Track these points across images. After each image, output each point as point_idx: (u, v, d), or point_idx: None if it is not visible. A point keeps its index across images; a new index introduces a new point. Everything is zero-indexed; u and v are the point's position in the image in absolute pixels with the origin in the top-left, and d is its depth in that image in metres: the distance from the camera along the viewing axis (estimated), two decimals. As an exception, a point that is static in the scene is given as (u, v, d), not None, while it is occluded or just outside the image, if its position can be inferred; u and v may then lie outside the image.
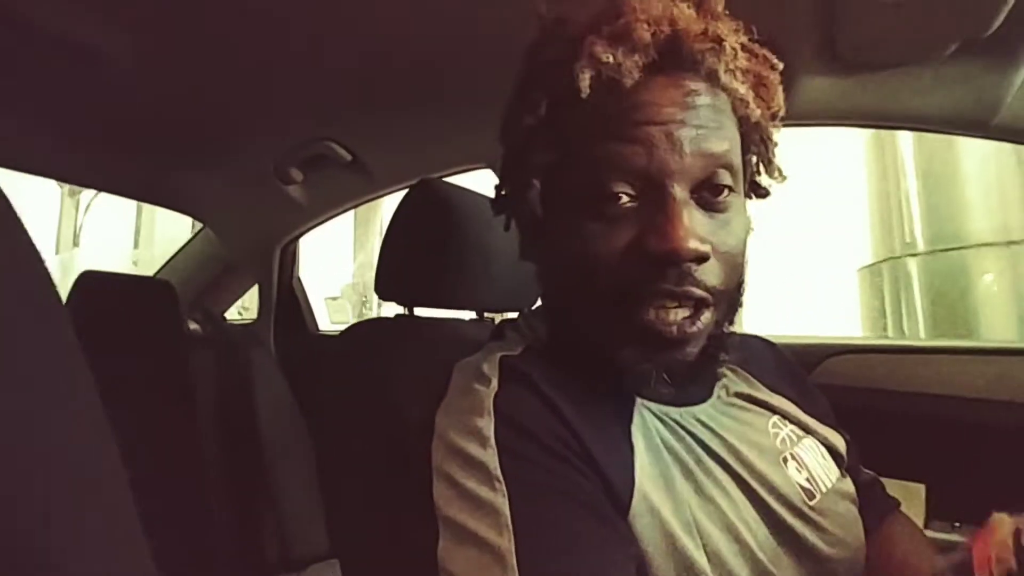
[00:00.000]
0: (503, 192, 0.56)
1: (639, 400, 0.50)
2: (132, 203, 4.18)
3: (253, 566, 1.40)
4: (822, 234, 3.55)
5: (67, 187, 4.23)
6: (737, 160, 0.47)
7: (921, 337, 2.83)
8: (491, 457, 0.43)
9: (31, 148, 1.18)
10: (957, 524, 0.88)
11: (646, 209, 0.44)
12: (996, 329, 2.54)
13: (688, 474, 0.47)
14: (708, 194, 0.46)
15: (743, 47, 0.48)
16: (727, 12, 0.48)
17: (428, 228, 0.77)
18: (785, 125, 0.94)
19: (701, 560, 0.43)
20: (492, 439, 0.44)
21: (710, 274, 0.45)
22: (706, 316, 0.46)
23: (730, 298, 0.48)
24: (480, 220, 0.78)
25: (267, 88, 1.01)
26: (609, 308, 0.46)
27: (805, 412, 0.59)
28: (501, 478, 0.42)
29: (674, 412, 0.51)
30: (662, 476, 0.46)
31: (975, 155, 2.68)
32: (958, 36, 0.72)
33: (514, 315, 0.64)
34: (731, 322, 0.51)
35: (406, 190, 0.80)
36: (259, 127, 1.15)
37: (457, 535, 0.42)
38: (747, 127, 0.49)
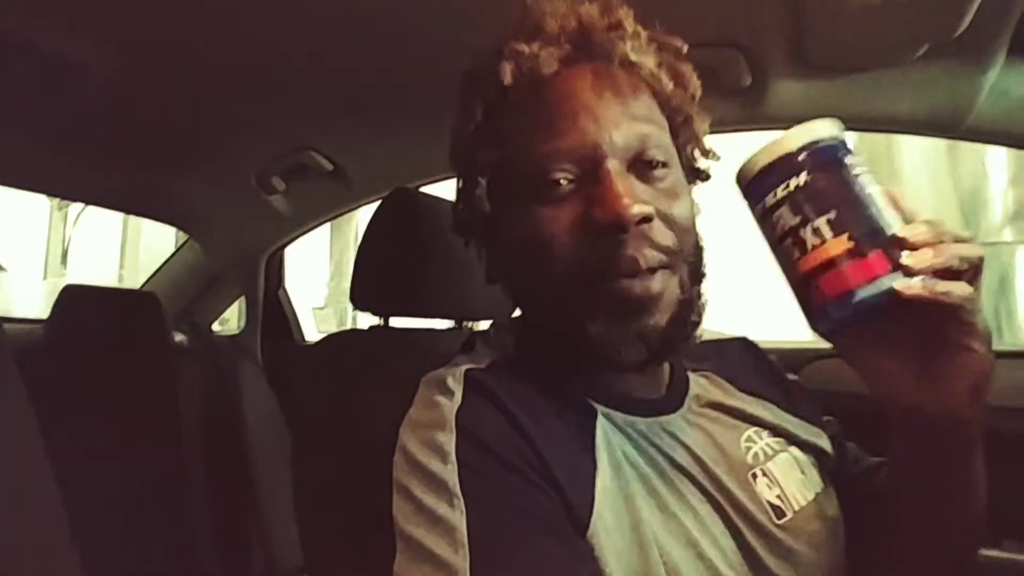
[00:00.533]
0: (459, 204, 0.57)
1: (603, 413, 0.49)
2: (118, 216, 4.17)
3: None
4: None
5: (55, 201, 4.24)
6: (666, 139, 0.50)
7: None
8: (451, 473, 0.42)
9: (14, 162, 1.17)
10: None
11: (586, 188, 0.46)
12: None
13: (651, 490, 0.46)
14: (643, 167, 0.47)
15: (649, 36, 0.52)
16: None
17: (403, 237, 0.77)
18: (759, 129, 0.95)
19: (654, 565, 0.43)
20: (453, 455, 0.43)
21: (660, 236, 0.46)
22: (665, 278, 0.46)
23: (689, 262, 0.49)
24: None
25: (247, 97, 1.01)
26: (570, 288, 0.46)
27: (788, 413, 0.58)
28: (460, 495, 0.42)
29: (640, 423, 0.50)
30: (622, 492, 0.45)
31: (913, 156, 2.77)
32: (926, 39, 0.72)
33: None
34: (699, 290, 0.50)
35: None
36: (240, 136, 1.15)
37: (413, 552, 0.42)
38: (669, 110, 0.51)
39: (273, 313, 1.60)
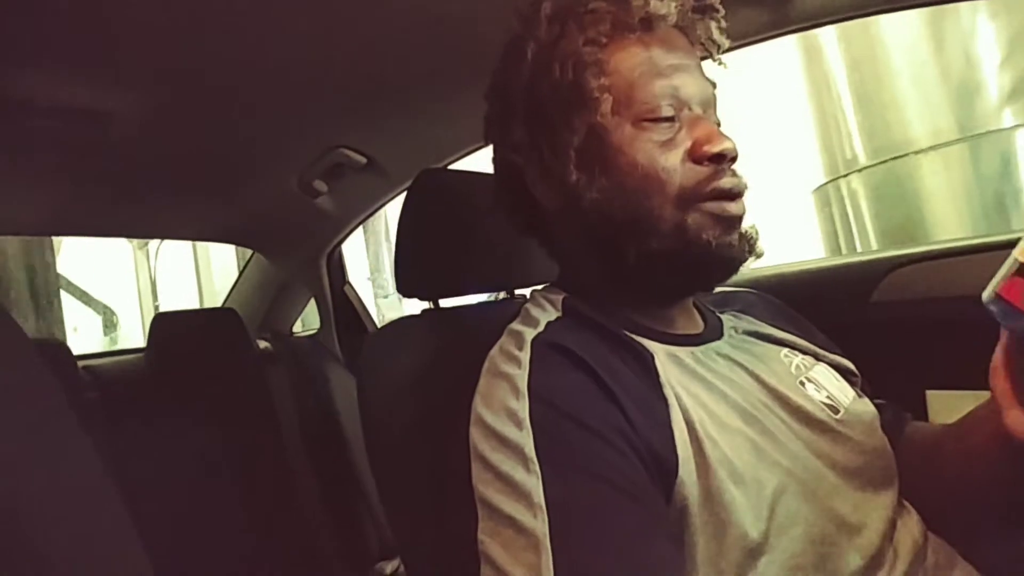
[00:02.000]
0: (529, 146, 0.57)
1: (660, 350, 0.52)
2: (188, 245, 4.47)
3: (357, 558, 1.49)
4: (777, 161, 3.46)
5: (135, 241, 4.59)
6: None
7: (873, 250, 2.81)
8: (526, 438, 0.44)
9: (72, 211, 1.27)
10: None
11: (687, 127, 0.52)
12: (948, 232, 2.56)
13: (710, 413, 0.49)
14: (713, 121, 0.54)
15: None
16: None
17: (437, 218, 0.77)
18: (791, 31, 0.87)
19: (735, 496, 0.45)
20: (527, 420, 0.45)
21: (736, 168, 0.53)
22: (743, 205, 0.53)
23: None
24: (488, 200, 0.77)
25: (273, 110, 1.03)
26: (676, 209, 0.51)
27: (808, 341, 0.63)
28: (535, 459, 0.43)
29: (697, 351, 0.54)
30: (687, 423, 0.47)
31: (900, 57, 2.64)
32: None
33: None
34: None
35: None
36: (274, 148, 1.18)
37: (494, 518, 0.43)
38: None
39: (343, 309, 1.66)
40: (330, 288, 1.64)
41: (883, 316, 0.94)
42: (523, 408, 0.45)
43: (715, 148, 0.50)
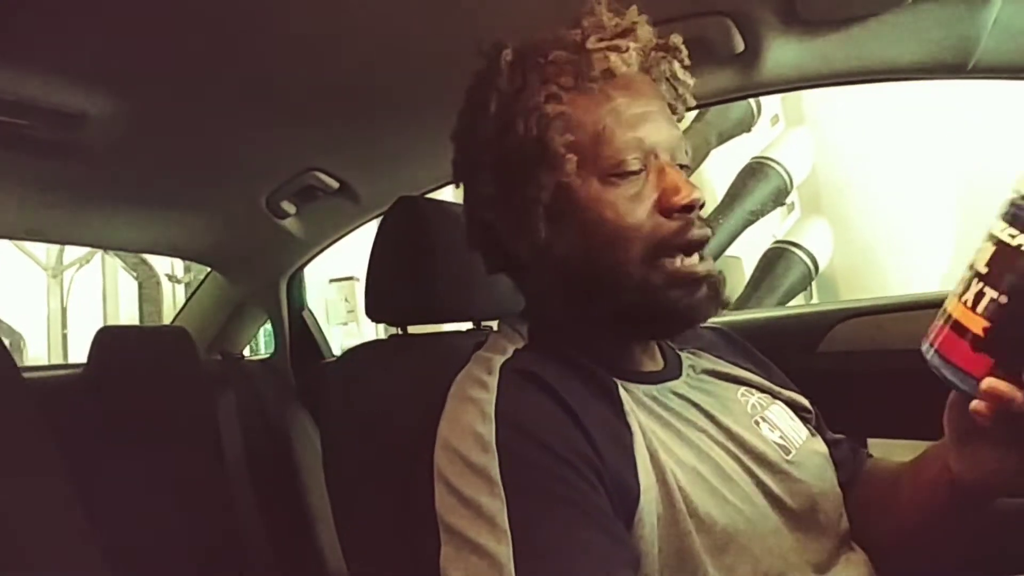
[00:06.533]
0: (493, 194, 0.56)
1: (621, 385, 0.53)
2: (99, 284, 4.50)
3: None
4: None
5: (51, 269, 4.55)
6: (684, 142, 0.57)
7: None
8: (491, 461, 0.44)
9: (29, 216, 1.22)
10: None
11: (654, 176, 0.52)
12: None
13: (668, 451, 0.50)
14: (680, 165, 0.55)
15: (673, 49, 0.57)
16: None
17: (411, 245, 0.78)
18: (758, 94, 0.93)
19: (691, 528, 0.46)
20: (493, 444, 0.45)
21: (702, 216, 0.54)
22: (707, 254, 0.54)
23: None
24: (462, 230, 0.78)
25: (245, 127, 1.03)
26: (644, 265, 0.51)
27: (766, 380, 0.64)
28: (500, 483, 0.43)
29: (653, 390, 0.54)
30: (651, 455, 0.48)
31: None
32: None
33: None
34: None
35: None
36: (245, 166, 1.17)
37: (457, 542, 0.43)
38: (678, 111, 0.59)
39: (300, 334, 1.63)
40: (288, 313, 1.60)
41: (829, 366, 0.99)
42: (490, 432, 0.45)
43: (683, 200, 0.51)
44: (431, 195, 1.23)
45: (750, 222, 3.36)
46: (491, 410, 0.47)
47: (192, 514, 1.28)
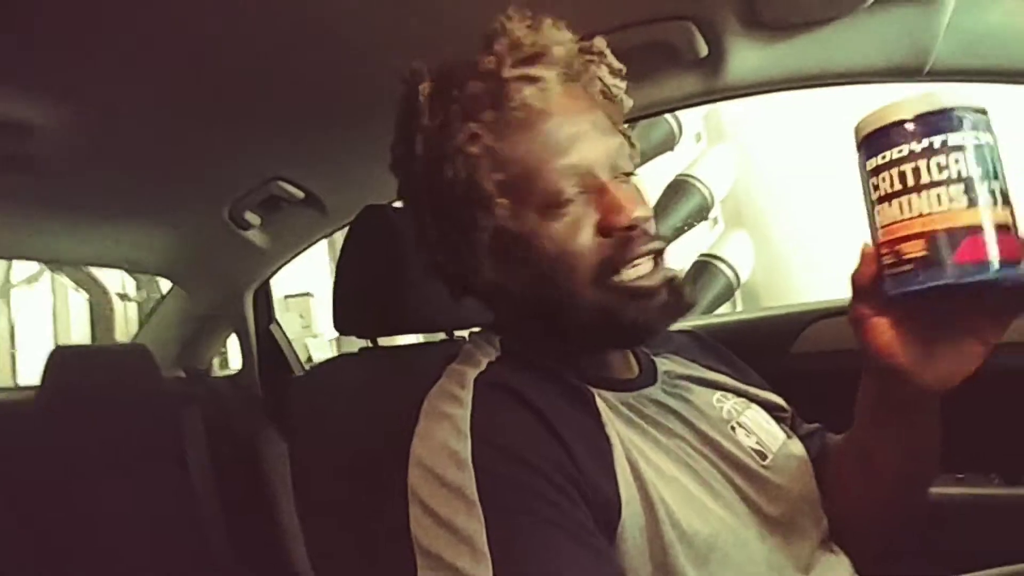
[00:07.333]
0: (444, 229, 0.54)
1: (597, 394, 0.52)
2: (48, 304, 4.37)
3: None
4: None
5: None
6: (626, 147, 0.55)
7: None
8: (468, 479, 0.42)
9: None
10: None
11: (592, 199, 0.51)
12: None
13: (648, 460, 0.49)
14: (622, 174, 0.53)
15: (599, 52, 0.56)
16: None
17: (379, 255, 0.76)
18: (723, 99, 0.94)
19: (674, 538, 0.45)
20: (469, 461, 0.43)
21: (652, 227, 0.53)
22: (664, 260, 0.53)
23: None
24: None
25: (206, 136, 1.00)
26: (594, 286, 0.50)
27: (740, 382, 0.63)
28: (477, 501, 0.41)
29: (629, 398, 0.54)
30: (630, 464, 0.48)
31: None
32: (875, -16, 0.71)
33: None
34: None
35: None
36: (205, 177, 1.13)
37: (434, 565, 0.42)
38: (615, 116, 0.56)
39: (267, 348, 1.58)
40: (255, 327, 1.56)
41: (803, 366, 1.00)
42: (465, 448, 0.44)
43: (623, 222, 0.49)
44: (398, 203, 1.21)
45: (675, 238, 3.51)
46: (466, 426, 0.45)
47: (159, 535, 1.23)
